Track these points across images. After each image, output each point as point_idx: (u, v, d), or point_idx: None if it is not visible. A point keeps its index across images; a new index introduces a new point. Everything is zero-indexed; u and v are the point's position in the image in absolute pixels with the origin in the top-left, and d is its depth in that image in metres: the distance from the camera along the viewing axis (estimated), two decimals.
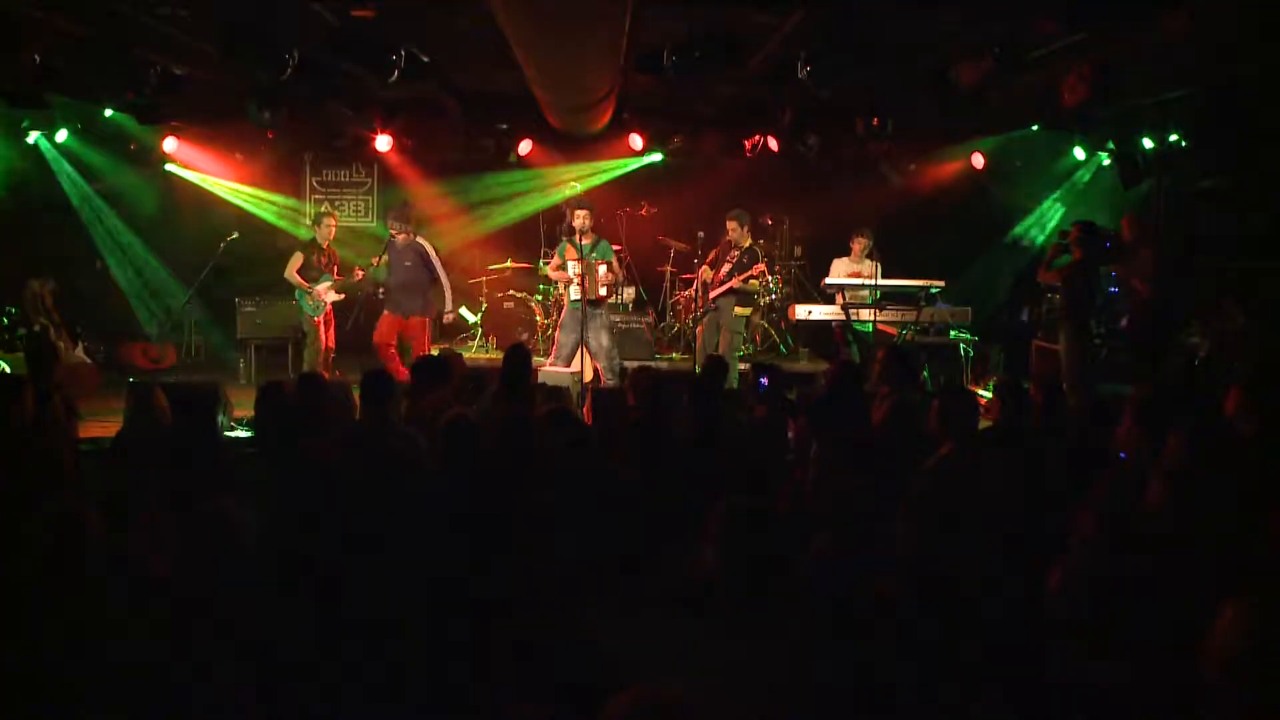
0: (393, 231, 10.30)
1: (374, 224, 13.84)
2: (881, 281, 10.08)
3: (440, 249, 12.66)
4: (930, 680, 3.02)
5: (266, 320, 11.84)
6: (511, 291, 12.68)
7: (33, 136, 11.93)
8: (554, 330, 10.60)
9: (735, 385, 9.57)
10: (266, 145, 12.47)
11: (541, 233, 13.15)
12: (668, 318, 13.02)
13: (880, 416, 5.82)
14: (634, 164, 12.95)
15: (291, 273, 10.37)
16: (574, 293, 9.68)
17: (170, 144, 12.38)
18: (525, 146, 12.27)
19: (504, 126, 12.12)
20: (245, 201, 13.36)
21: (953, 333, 10.73)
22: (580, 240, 9.63)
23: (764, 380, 6.69)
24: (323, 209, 10.97)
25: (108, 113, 11.60)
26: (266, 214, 13.44)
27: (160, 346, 12.61)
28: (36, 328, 10.95)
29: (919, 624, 3.22)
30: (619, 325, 11.88)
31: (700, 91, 10.85)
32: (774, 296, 12.43)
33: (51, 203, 12.52)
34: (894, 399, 6.10)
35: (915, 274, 10.33)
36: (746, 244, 10.39)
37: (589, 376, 9.77)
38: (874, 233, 10.74)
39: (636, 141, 12.09)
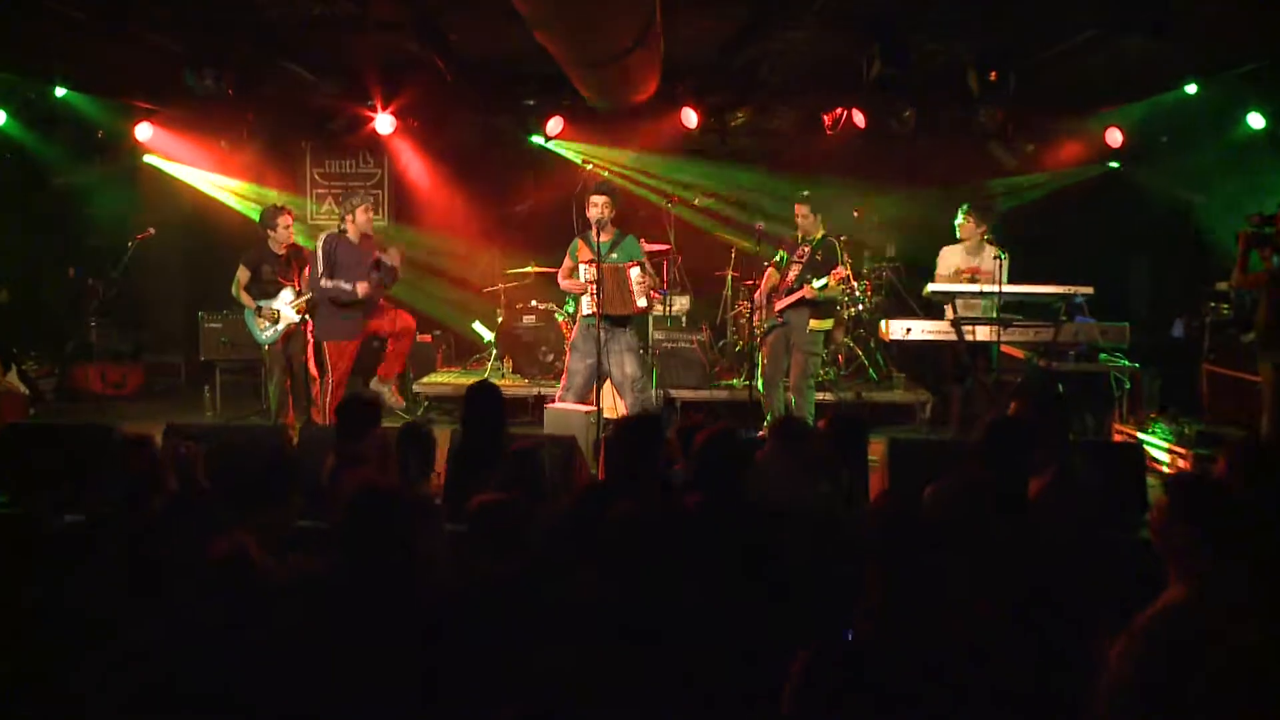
0: (359, 213, 7.96)
1: (385, 222, 11.70)
2: (1006, 289, 7.52)
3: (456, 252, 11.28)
4: None
5: (234, 339, 9.74)
6: (534, 302, 10.34)
7: None
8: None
9: (811, 423, 7.15)
10: (251, 131, 10.57)
11: (576, 229, 10.99)
12: (729, 334, 10.59)
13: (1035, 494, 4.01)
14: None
15: (239, 291, 8.18)
16: (585, 305, 7.36)
17: (144, 131, 10.51)
18: (555, 125, 10.48)
19: (530, 103, 10.47)
20: (234, 198, 11.43)
21: (1102, 356, 8.16)
22: (597, 236, 7.27)
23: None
24: (280, 205, 8.54)
25: (59, 92, 9.74)
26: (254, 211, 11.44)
27: (123, 369, 10.66)
28: None
29: None
30: (664, 345, 9.59)
31: (766, 55, 9.06)
32: (861, 308, 9.85)
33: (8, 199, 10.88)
34: (1055, 469, 4.18)
35: (1040, 279, 7.78)
36: (819, 235, 7.94)
37: (619, 412, 7.49)
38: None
39: (690, 117, 10.12)
